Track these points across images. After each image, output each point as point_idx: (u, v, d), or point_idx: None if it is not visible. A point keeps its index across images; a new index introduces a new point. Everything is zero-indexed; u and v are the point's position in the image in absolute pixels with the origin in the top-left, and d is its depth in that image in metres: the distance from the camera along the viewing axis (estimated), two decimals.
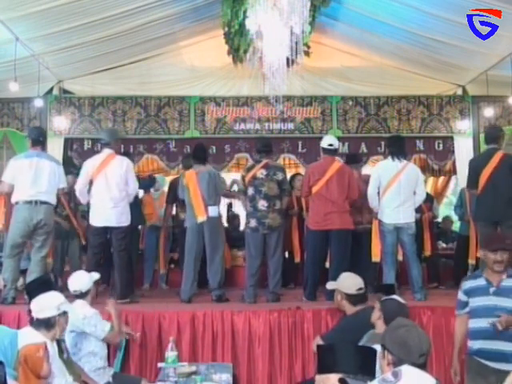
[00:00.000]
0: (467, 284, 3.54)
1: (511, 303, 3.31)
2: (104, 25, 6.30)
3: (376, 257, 5.29)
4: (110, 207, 5.17)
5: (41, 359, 2.76)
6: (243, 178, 5.43)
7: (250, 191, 5.33)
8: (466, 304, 3.52)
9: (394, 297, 3.62)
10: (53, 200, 5.19)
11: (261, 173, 5.32)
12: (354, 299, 4.03)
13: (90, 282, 3.98)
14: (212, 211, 5.33)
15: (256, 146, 5.75)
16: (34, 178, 5.02)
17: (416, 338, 2.33)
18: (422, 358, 2.30)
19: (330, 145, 5.39)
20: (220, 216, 5.64)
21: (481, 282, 3.45)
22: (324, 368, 2.30)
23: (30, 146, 5.22)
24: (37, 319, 3.12)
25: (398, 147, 5.35)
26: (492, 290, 3.38)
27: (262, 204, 5.25)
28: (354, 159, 6.59)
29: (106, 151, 5.33)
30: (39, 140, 5.23)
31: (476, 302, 3.43)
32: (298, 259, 6.59)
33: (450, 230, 8.50)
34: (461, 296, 3.58)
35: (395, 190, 5.14)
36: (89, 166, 5.31)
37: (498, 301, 3.31)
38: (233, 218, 8.40)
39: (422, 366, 2.29)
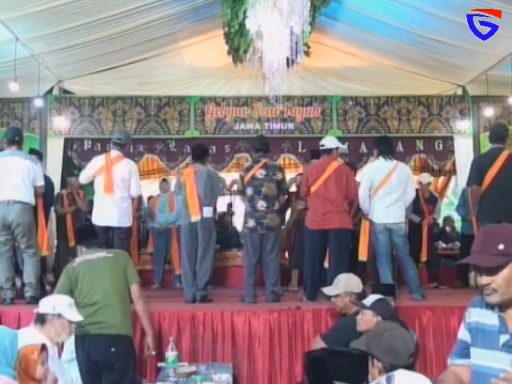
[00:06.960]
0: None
1: None
2: (104, 25, 6.31)
3: (363, 256, 5.29)
4: (112, 207, 5.16)
5: (34, 361, 2.66)
6: (242, 178, 5.39)
7: (249, 191, 5.30)
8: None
9: (372, 296, 3.55)
10: (28, 198, 5.02)
11: (260, 173, 5.29)
12: (361, 297, 4.00)
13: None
14: (206, 212, 5.29)
15: (254, 145, 5.67)
16: (6, 177, 4.93)
17: (402, 341, 2.32)
18: (411, 358, 2.30)
19: (322, 145, 5.39)
20: (214, 217, 5.62)
21: None
22: (313, 380, 2.26)
23: (6, 145, 5.16)
24: (37, 313, 3.19)
25: (388, 147, 5.32)
26: None
27: (261, 204, 5.23)
28: (317, 155, 5.78)
29: (115, 152, 5.30)
30: (14, 139, 5.14)
31: None
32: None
33: (450, 230, 8.49)
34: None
35: (387, 190, 5.10)
36: (95, 163, 5.32)
37: None
38: (222, 217, 8.50)
39: (412, 366, 2.29)
